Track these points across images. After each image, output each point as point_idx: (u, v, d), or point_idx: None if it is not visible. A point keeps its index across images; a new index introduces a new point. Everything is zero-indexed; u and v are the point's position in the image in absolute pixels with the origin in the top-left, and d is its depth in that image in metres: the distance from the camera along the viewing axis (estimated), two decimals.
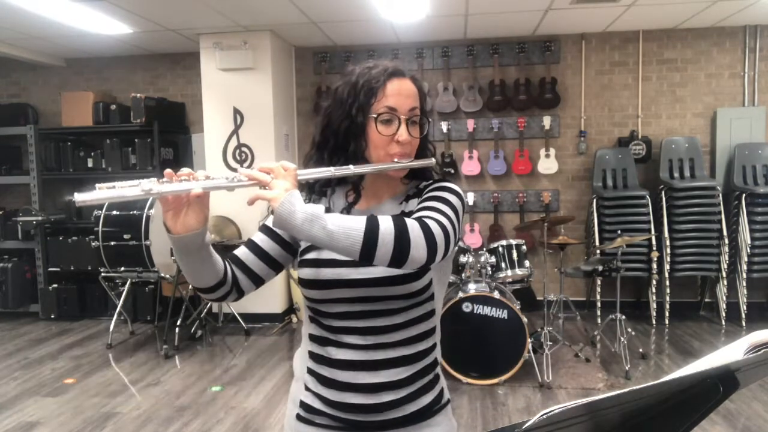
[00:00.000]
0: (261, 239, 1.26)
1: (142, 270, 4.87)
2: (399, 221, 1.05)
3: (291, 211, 1.01)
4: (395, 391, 1.18)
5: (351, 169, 1.15)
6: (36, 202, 5.75)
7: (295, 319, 5.61)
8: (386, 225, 1.03)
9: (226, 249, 4.55)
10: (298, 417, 1.26)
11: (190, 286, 5.23)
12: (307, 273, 1.20)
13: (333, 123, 1.21)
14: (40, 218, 5.64)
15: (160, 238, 4.83)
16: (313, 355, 1.24)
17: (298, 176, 1.09)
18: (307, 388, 1.25)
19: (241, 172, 1.06)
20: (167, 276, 4.90)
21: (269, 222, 1.26)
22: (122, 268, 4.93)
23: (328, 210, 1.07)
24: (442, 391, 1.27)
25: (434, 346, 1.26)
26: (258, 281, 1.26)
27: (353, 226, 1.02)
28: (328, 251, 1.17)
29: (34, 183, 5.76)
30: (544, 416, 0.58)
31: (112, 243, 4.83)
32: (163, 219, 1.10)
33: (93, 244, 4.91)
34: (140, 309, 5.54)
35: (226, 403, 3.69)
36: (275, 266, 1.26)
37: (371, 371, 1.17)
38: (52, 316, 5.74)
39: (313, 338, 1.24)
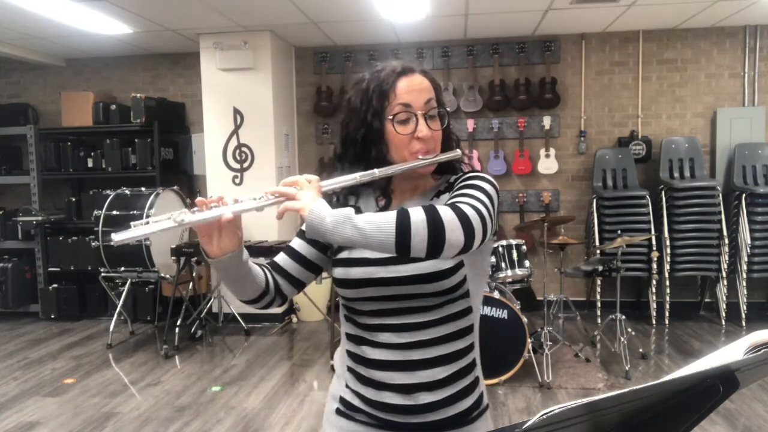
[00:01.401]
0: (299, 244, 1.29)
1: (142, 270, 4.88)
2: (429, 208, 1.03)
3: (321, 217, 1.02)
4: (433, 393, 1.17)
5: (376, 174, 1.15)
6: (36, 202, 5.75)
7: (295, 319, 5.61)
8: (417, 214, 1.02)
9: None
10: (338, 411, 1.27)
11: (190, 286, 5.25)
12: (339, 272, 1.21)
13: (351, 133, 1.21)
14: (40, 218, 5.64)
15: (160, 238, 4.83)
16: (350, 354, 1.24)
17: (322, 187, 1.11)
18: (347, 386, 1.25)
19: (267, 190, 1.09)
20: (167, 276, 4.90)
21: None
22: (122, 268, 4.93)
23: (357, 212, 1.07)
24: (482, 395, 1.25)
25: (472, 345, 1.24)
26: (299, 285, 1.30)
27: (384, 220, 1.02)
28: (359, 250, 1.19)
29: (34, 183, 5.76)
30: (544, 416, 0.58)
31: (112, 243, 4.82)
32: (201, 245, 1.15)
33: (93, 244, 4.91)
34: (140, 309, 5.54)
35: (226, 403, 3.69)
36: (314, 269, 1.30)
37: (407, 372, 1.16)
38: (52, 316, 5.74)
39: (349, 337, 1.25)
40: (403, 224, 1.01)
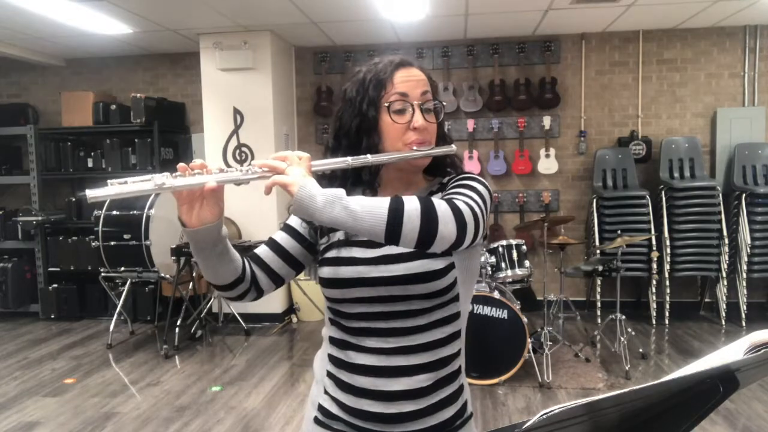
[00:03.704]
0: (282, 238, 1.24)
1: (142, 270, 4.87)
2: (425, 199, 1.01)
3: (311, 194, 0.98)
4: (416, 401, 1.13)
5: (368, 159, 1.11)
6: (36, 202, 5.75)
7: (295, 319, 5.61)
8: (411, 202, 0.99)
9: None
10: (316, 420, 1.23)
11: (190, 286, 5.24)
12: (327, 272, 1.17)
13: (344, 124, 1.18)
14: (40, 218, 5.64)
15: (160, 238, 4.83)
16: (332, 359, 1.21)
17: (312, 166, 1.06)
18: (326, 392, 1.22)
19: (255, 162, 1.04)
20: (167, 276, 4.90)
21: (291, 221, 1.24)
22: (122, 268, 4.93)
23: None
24: (465, 403, 1.22)
25: (459, 352, 1.20)
26: (278, 280, 1.24)
27: (377, 204, 0.99)
28: (348, 249, 1.15)
29: (34, 183, 5.76)
30: (544, 416, 0.58)
31: (112, 243, 4.83)
32: (178, 213, 1.09)
33: (93, 244, 4.91)
34: (140, 309, 5.54)
35: (226, 403, 3.69)
36: (296, 265, 1.24)
37: (391, 378, 1.13)
38: (52, 316, 5.74)
39: (333, 341, 1.21)
40: (397, 211, 0.98)
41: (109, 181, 0.98)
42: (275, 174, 1.02)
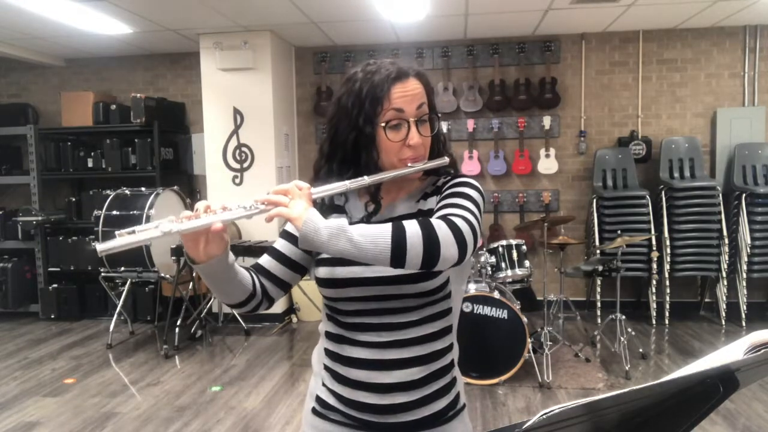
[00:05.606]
0: (282, 245, 1.28)
1: (142, 270, 4.87)
2: (425, 223, 1.05)
3: (315, 228, 1.02)
4: (408, 393, 1.17)
5: (366, 181, 1.14)
6: (36, 202, 5.75)
7: (295, 319, 5.61)
8: (413, 228, 1.03)
9: None
10: (314, 411, 1.28)
11: (190, 286, 5.23)
12: (323, 272, 1.21)
13: (340, 134, 1.19)
14: (40, 218, 5.64)
15: (160, 238, 4.82)
16: (329, 353, 1.25)
17: (312, 194, 1.10)
18: (324, 384, 1.26)
19: (257, 198, 1.08)
20: (167, 276, 4.90)
21: (288, 227, 1.27)
22: (122, 268, 4.93)
23: (345, 213, 1.07)
24: (458, 395, 1.26)
25: (451, 346, 1.24)
26: (285, 287, 1.28)
27: (380, 234, 1.02)
28: None
29: (34, 183, 5.76)
30: (544, 416, 0.58)
31: None
32: (185, 251, 1.13)
33: (93, 244, 4.91)
34: (140, 309, 5.54)
35: (226, 403, 3.69)
36: (299, 270, 1.28)
37: (384, 371, 1.17)
38: (52, 316, 5.74)
39: (329, 336, 1.25)
40: (399, 239, 1.02)
41: (116, 232, 1.03)
42: (278, 208, 1.06)
